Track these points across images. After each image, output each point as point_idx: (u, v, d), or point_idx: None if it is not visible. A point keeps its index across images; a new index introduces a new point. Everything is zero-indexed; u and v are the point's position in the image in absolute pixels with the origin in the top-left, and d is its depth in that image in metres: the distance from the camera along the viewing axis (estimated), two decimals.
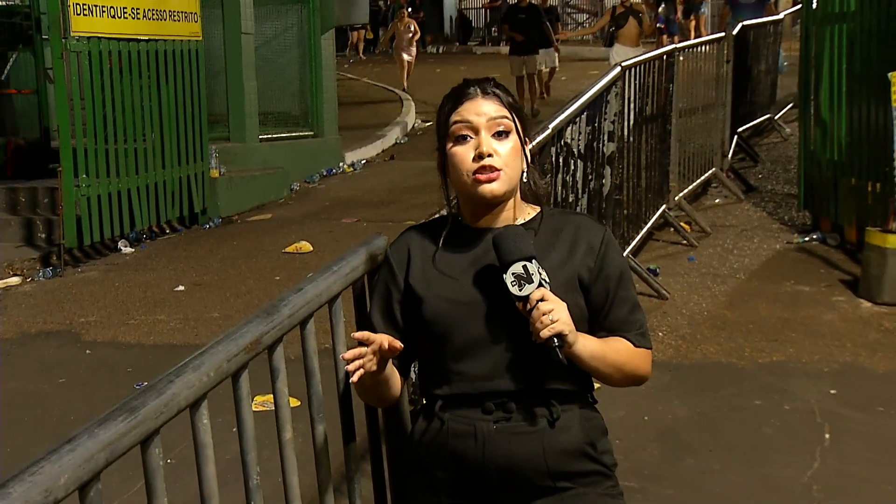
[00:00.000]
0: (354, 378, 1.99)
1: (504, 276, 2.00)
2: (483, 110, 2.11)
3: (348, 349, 2.19)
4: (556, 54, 15.54)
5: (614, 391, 2.17)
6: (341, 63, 18.10)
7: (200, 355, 1.81)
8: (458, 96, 2.15)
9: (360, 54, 27.43)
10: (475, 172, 2.08)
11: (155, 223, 8.81)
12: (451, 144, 2.12)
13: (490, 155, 2.08)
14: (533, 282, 1.99)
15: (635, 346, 2.15)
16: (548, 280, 2.02)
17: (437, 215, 2.47)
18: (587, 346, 2.06)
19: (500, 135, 2.11)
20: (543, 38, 15.15)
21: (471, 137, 2.10)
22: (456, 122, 2.12)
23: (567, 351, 2.01)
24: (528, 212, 2.20)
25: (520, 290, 1.99)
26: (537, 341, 1.98)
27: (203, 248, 8.42)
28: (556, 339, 1.97)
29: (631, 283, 2.20)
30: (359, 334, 2.01)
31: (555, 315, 1.97)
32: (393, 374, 2.19)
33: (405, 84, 18.62)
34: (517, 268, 2.00)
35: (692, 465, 4.19)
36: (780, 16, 12.37)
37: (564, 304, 2.00)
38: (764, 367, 5.21)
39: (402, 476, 2.51)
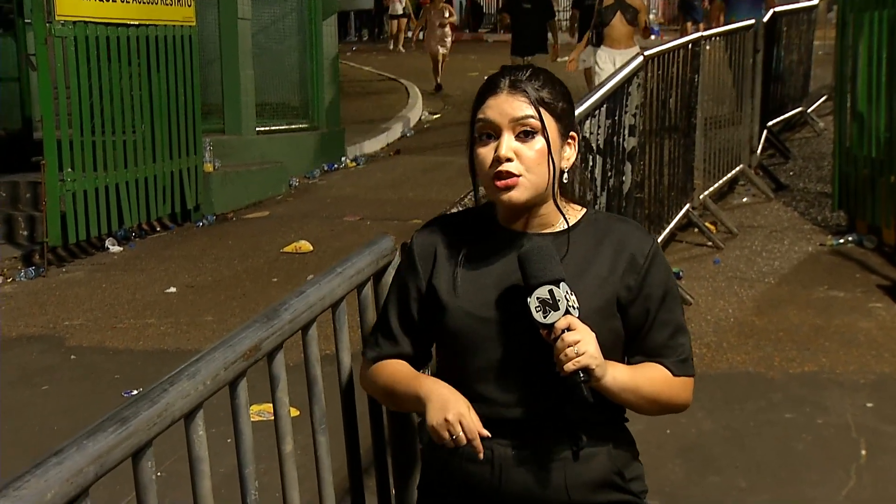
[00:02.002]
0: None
1: (528, 300, 1.96)
2: (506, 109, 2.05)
3: (352, 357, 2.20)
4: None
5: None
6: (343, 51, 18.04)
7: (196, 362, 1.81)
8: (486, 89, 2.11)
9: (400, 46, 25.14)
10: (494, 178, 2.05)
11: (145, 220, 8.82)
12: (476, 143, 2.09)
13: (509, 160, 2.03)
14: (559, 308, 1.94)
15: (674, 374, 2.10)
16: (577, 306, 1.97)
17: (459, 205, 2.45)
18: (618, 378, 2.01)
19: (526, 135, 2.05)
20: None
21: (493, 137, 2.07)
22: (479, 120, 2.08)
23: (594, 384, 1.97)
24: (570, 214, 2.14)
25: (544, 318, 1.94)
26: (561, 374, 1.94)
27: (196, 248, 8.43)
28: (581, 374, 1.93)
29: (677, 303, 2.15)
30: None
31: (581, 347, 1.92)
32: None
33: (438, 80, 17.48)
34: (543, 292, 1.95)
35: (717, 482, 4.18)
36: (815, 1, 12.33)
37: (593, 335, 1.95)
38: (795, 378, 5.20)
39: (410, 493, 2.51)
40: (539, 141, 2.06)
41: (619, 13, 10.31)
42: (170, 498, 3.61)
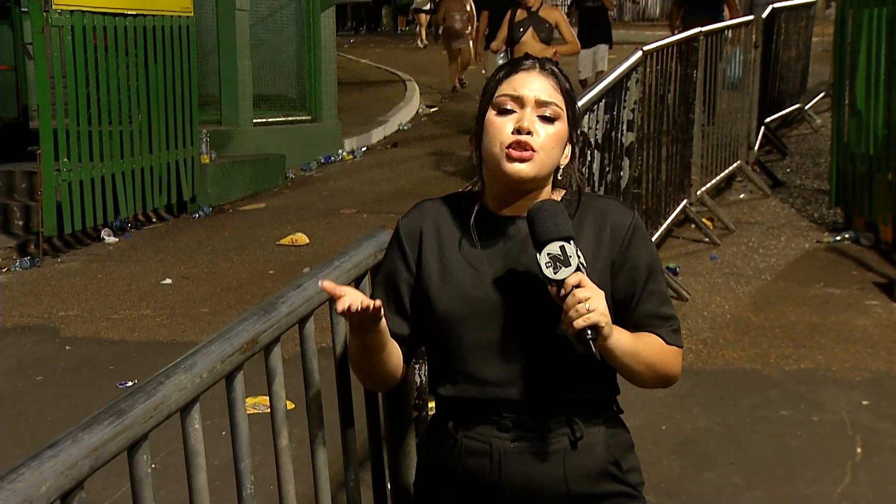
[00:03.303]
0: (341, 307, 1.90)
1: (538, 255, 1.93)
2: (536, 87, 2.05)
3: (348, 351, 2.18)
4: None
5: (629, 397, 2.15)
6: (341, 43, 17.93)
7: (193, 355, 1.80)
8: (514, 65, 2.10)
9: (423, 40, 23.30)
10: (509, 146, 2.02)
11: (141, 211, 8.80)
12: (493, 113, 2.07)
13: (529, 133, 2.02)
14: (570, 265, 1.91)
15: (667, 342, 2.09)
16: (585, 265, 1.95)
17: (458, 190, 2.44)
18: (621, 340, 1.99)
19: (547, 119, 2.05)
20: (599, 31, 11.97)
21: (514, 111, 2.05)
22: (504, 93, 2.06)
23: (601, 344, 1.94)
24: (553, 197, 2.13)
25: (555, 273, 1.91)
26: (570, 332, 1.91)
27: (192, 239, 8.41)
28: (589, 331, 1.90)
29: (661, 275, 2.14)
30: (328, 286, 1.94)
31: (592, 304, 1.89)
32: (392, 347, 2.13)
33: (456, 82, 16.09)
34: (553, 248, 1.92)
35: (712, 479, 4.18)
36: None
37: (602, 293, 1.92)
38: (791, 375, 5.19)
39: (405, 487, 2.51)
40: (558, 126, 2.06)
41: (531, 29, 8.90)
42: (164, 490, 3.61)
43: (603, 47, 11.99)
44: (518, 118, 2.04)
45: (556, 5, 13.72)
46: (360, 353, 2.12)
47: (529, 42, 8.76)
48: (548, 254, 1.92)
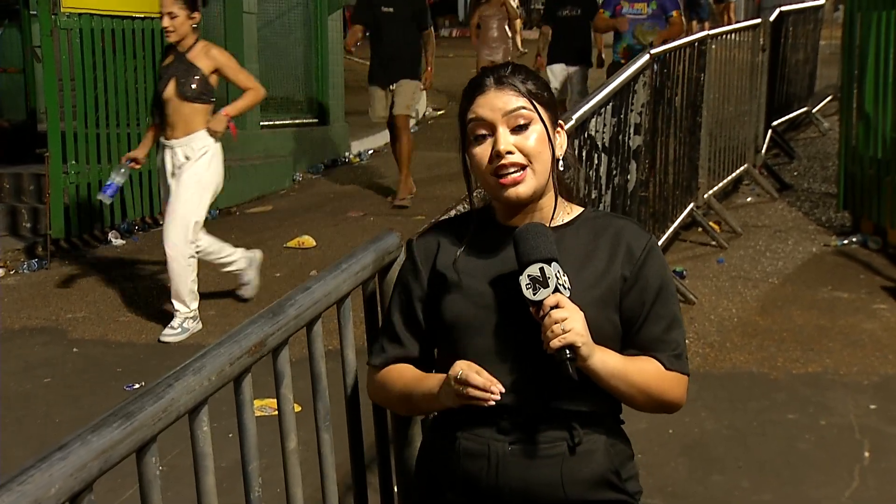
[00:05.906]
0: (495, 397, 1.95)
1: (519, 277, 1.96)
2: (497, 104, 2.05)
3: (357, 353, 2.20)
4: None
5: None
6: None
7: (201, 358, 1.80)
8: (471, 90, 2.11)
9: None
10: (495, 174, 2.05)
11: (148, 214, 8.82)
12: (470, 145, 2.09)
13: (510, 153, 2.03)
14: (549, 286, 1.94)
15: (666, 367, 2.09)
16: (567, 286, 1.97)
17: (453, 211, 2.45)
18: (607, 362, 2.00)
19: (521, 128, 2.05)
20: (576, 48, 10.04)
21: (488, 136, 2.06)
22: (471, 121, 2.08)
23: (581, 365, 1.96)
24: (568, 212, 2.15)
25: (533, 294, 1.94)
26: (548, 351, 1.93)
27: None
28: (567, 351, 1.92)
29: (673, 298, 2.13)
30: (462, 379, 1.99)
31: (568, 324, 1.91)
32: None
33: None
34: (534, 269, 1.95)
35: (720, 482, 4.18)
36: (821, 0, 12.31)
37: (581, 314, 1.95)
38: (798, 379, 5.19)
39: (412, 490, 2.51)
40: (535, 130, 2.06)
41: (173, 81, 6.14)
42: (172, 492, 3.61)
43: (578, 67, 10.14)
44: (494, 142, 2.05)
45: (529, 16, 11.78)
46: (415, 410, 2.26)
47: (173, 100, 6.13)
48: (528, 275, 1.96)
